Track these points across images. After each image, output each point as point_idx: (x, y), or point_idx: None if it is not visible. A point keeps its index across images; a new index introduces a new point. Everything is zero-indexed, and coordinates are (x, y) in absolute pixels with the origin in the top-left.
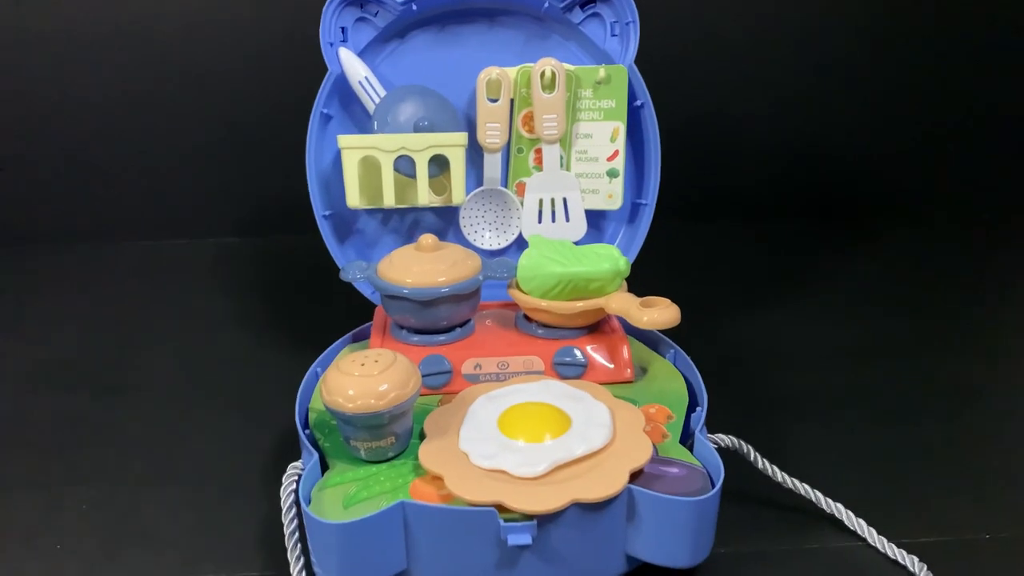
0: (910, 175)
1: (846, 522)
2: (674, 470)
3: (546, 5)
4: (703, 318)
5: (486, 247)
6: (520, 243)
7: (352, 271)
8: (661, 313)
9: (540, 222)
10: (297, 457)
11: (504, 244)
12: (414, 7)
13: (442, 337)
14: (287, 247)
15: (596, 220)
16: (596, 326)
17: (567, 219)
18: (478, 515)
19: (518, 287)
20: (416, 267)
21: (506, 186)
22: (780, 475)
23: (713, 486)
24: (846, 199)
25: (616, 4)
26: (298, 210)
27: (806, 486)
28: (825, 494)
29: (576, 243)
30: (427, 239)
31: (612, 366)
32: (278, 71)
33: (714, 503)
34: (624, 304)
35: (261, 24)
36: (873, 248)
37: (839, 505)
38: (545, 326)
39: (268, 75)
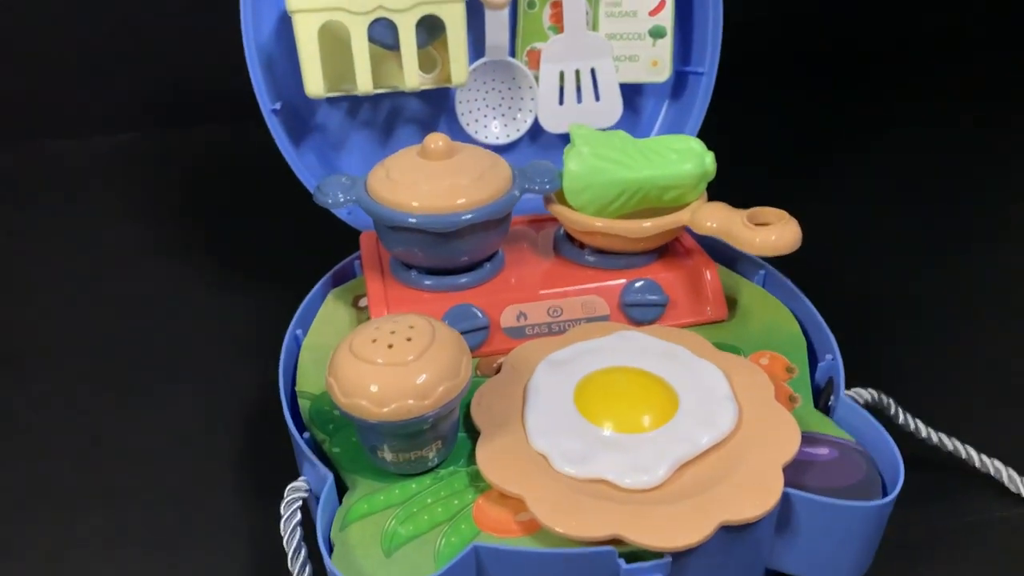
0: None
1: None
2: (823, 451)
3: None
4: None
5: (492, 141)
6: (535, 133)
7: (332, 192)
8: (781, 233)
9: (562, 103)
10: (287, 464)
11: (515, 136)
12: None
13: (465, 278)
14: (213, 141)
15: (632, 97)
16: (666, 247)
17: (597, 97)
18: (590, 558)
19: (562, 201)
20: (425, 183)
21: (514, 55)
22: (930, 432)
23: (877, 471)
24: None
25: None
26: (225, 89)
27: (968, 447)
28: (979, 451)
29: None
30: (436, 140)
31: (699, 303)
32: None
33: (891, 505)
34: (723, 220)
35: None
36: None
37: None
38: (600, 252)
39: None
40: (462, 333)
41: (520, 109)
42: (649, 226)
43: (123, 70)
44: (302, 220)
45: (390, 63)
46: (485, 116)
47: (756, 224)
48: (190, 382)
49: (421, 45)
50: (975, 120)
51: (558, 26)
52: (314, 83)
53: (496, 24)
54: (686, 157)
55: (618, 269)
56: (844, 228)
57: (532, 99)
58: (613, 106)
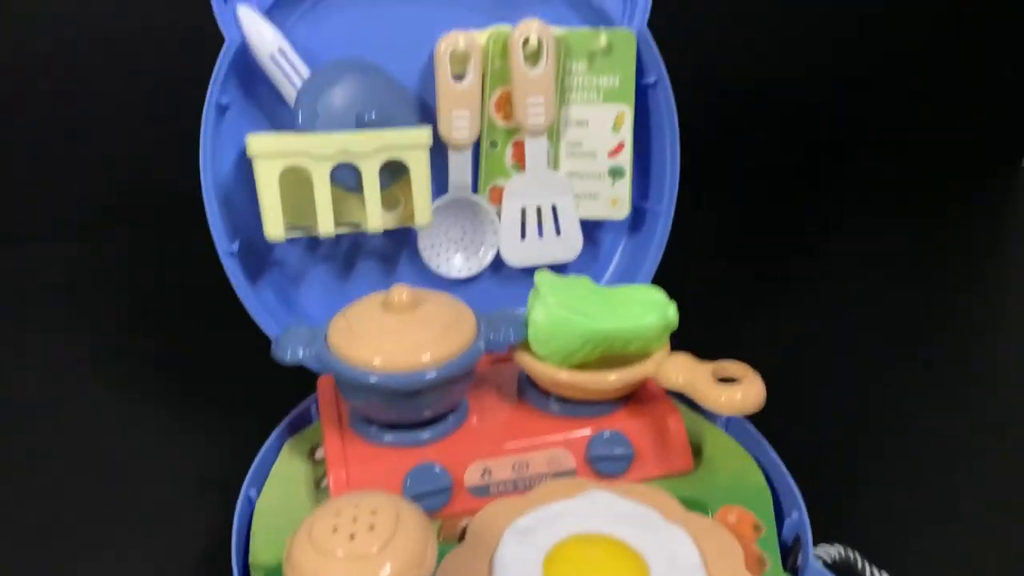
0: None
1: None
2: None
3: None
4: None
5: (454, 275)
6: (497, 266)
7: (291, 345)
8: (746, 393)
9: (524, 238)
10: None
11: (477, 269)
12: None
13: (427, 433)
14: (153, 244)
15: (591, 230)
16: (631, 393)
17: (557, 232)
18: None
19: (527, 349)
20: (388, 340)
21: (476, 191)
22: None
23: None
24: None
25: None
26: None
27: None
28: None
29: (570, 267)
30: (400, 294)
31: (665, 454)
32: (151, 39)
33: None
34: (688, 375)
35: None
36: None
37: None
38: (565, 400)
39: (135, 47)
40: (425, 494)
41: (482, 243)
42: (614, 379)
43: (69, 172)
44: (258, 341)
45: (352, 201)
46: (447, 250)
47: (721, 379)
48: (133, 533)
49: (384, 187)
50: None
51: (520, 164)
52: (274, 227)
53: (459, 163)
54: (649, 309)
55: (583, 418)
56: (803, 358)
57: (494, 233)
58: (574, 241)
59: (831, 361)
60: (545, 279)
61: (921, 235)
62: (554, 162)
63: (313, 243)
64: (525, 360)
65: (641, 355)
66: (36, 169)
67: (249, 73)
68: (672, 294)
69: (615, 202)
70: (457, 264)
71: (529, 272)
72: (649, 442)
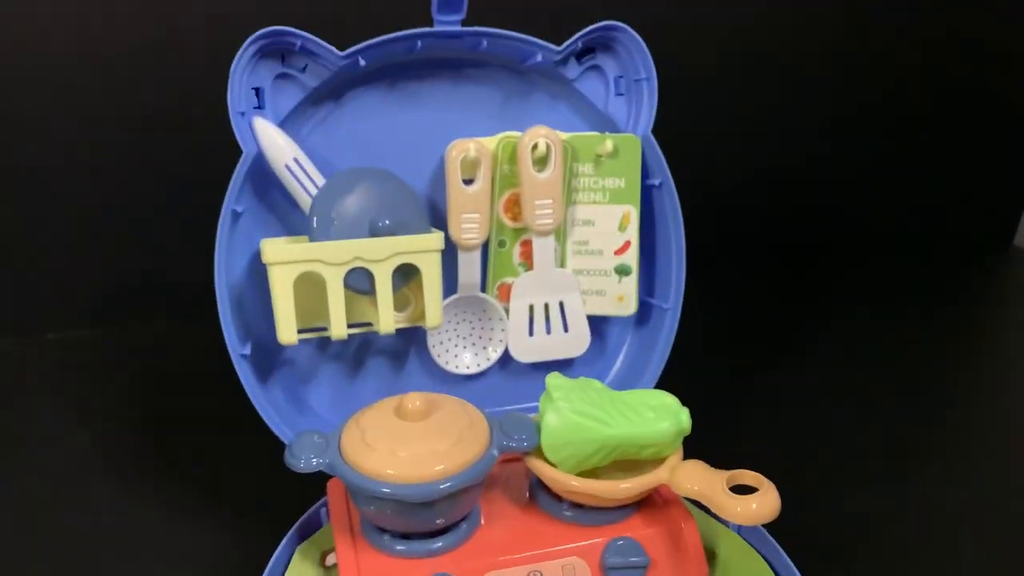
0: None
1: None
2: None
3: (539, 58)
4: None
5: (462, 371)
6: (505, 362)
7: (304, 455)
8: (762, 503)
9: (532, 334)
10: None
11: (486, 365)
12: (361, 62)
13: (440, 542)
14: (159, 338)
15: (598, 325)
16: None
17: (565, 329)
18: None
19: (540, 455)
20: (402, 448)
21: (485, 290)
22: None
23: None
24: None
25: (623, 55)
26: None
27: None
28: None
29: (577, 361)
30: (414, 401)
31: (680, 562)
32: (167, 148)
33: None
34: (704, 485)
35: (149, 84)
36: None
37: None
38: (578, 506)
39: (155, 152)
40: None
41: (491, 340)
42: (628, 487)
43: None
44: (267, 440)
45: (363, 302)
46: (456, 347)
47: (734, 487)
48: None
49: (395, 289)
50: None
51: (527, 263)
52: (287, 332)
53: (468, 264)
54: (663, 415)
55: (597, 525)
56: (808, 457)
57: (503, 330)
58: (581, 337)
59: (840, 459)
60: (557, 382)
61: (920, 321)
62: (561, 260)
63: (323, 342)
64: (537, 466)
65: (654, 460)
66: (49, 259)
67: (264, 180)
68: (678, 391)
69: (622, 299)
70: (466, 361)
71: (537, 367)
72: (664, 550)
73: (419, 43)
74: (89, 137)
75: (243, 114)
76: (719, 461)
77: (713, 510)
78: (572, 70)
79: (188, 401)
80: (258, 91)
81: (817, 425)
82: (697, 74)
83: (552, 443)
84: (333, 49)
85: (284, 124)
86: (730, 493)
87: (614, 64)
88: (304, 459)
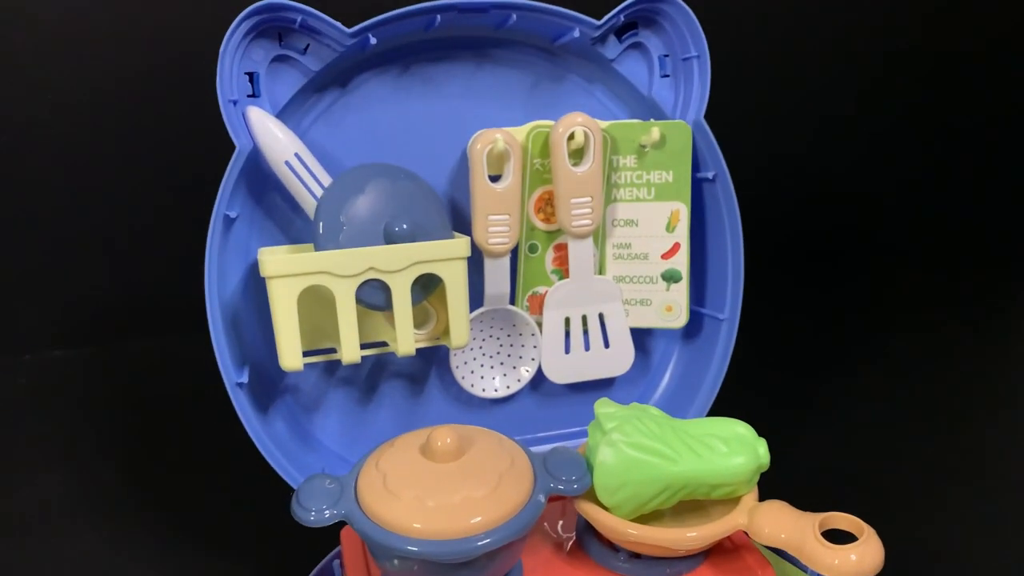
0: None
1: None
2: None
3: (576, 34)
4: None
5: (489, 395)
6: (537, 383)
7: (315, 506)
8: (862, 555)
9: (568, 351)
10: None
11: (516, 388)
12: (372, 41)
13: None
14: (153, 358)
15: (639, 337)
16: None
17: (606, 344)
18: None
19: (592, 497)
20: (431, 497)
21: (514, 302)
22: None
23: None
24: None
25: (669, 30)
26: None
27: None
28: None
29: (618, 381)
30: (444, 438)
31: None
32: (151, 145)
33: None
34: (791, 531)
35: (128, 72)
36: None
37: None
38: (635, 555)
39: (137, 151)
40: None
41: (521, 358)
42: (696, 536)
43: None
44: (269, 478)
45: (377, 318)
46: (482, 367)
47: (828, 538)
48: None
49: (415, 303)
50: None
51: (562, 269)
52: (291, 357)
53: (496, 272)
54: (737, 448)
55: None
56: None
57: (535, 347)
58: (624, 354)
59: (927, 488)
60: (608, 411)
61: (998, 332)
62: (600, 266)
63: (331, 365)
64: (588, 510)
65: (725, 501)
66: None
67: (261, 180)
68: (736, 415)
69: (670, 309)
70: (494, 383)
71: (574, 389)
72: None
73: (438, 18)
74: (66, 137)
75: (235, 103)
76: (786, 494)
77: (803, 561)
78: (611, 49)
79: (179, 430)
80: (252, 76)
81: (891, 448)
82: (752, 51)
83: (607, 484)
84: (339, 25)
85: (283, 114)
86: (824, 542)
87: (659, 41)
88: (316, 511)
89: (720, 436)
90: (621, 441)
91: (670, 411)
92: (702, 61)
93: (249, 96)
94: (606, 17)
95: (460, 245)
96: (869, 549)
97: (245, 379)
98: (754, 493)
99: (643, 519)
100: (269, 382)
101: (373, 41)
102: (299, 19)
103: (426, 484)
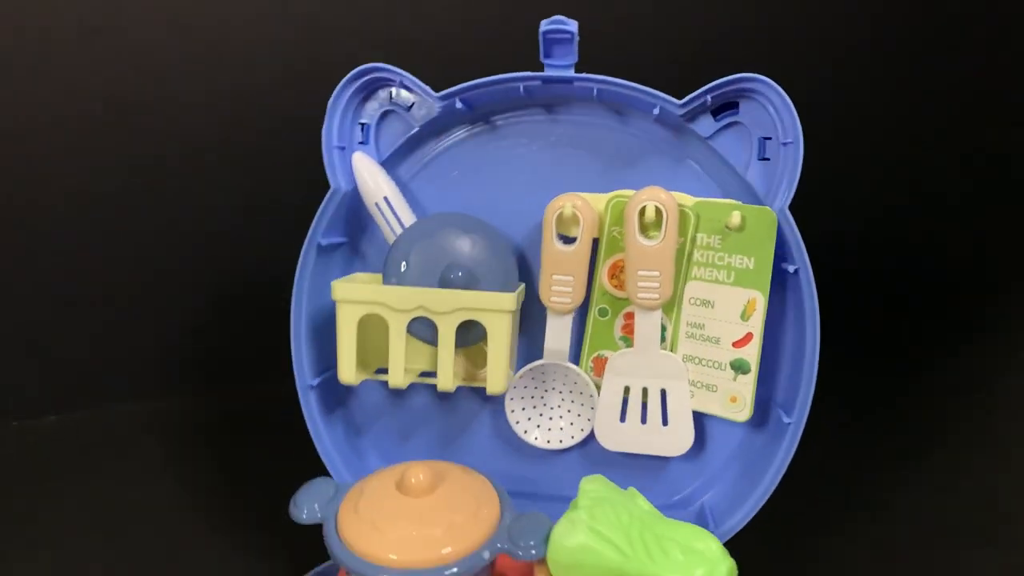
0: None
1: None
2: None
3: (656, 111)
4: None
5: (540, 445)
6: (589, 445)
7: (307, 504)
8: None
9: (624, 420)
10: None
11: (567, 444)
12: (459, 105)
13: None
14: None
15: (703, 426)
16: None
17: (664, 422)
18: None
19: (548, 571)
20: (392, 528)
21: (579, 361)
22: None
23: None
24: None
25: (770, 111)
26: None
27: None
28: None
29: (671, 463)
30: (417, 474)
31: None
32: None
33: None
34: None
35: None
36: None
37: None
38: None
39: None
40: None
41: (578, 416)
42: None
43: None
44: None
45: (433, 352)
46: (538, 417)
47: None
48: None
49: (468, 343)
50: None
51: (630, 337)
52: (347, 371)
53: (558, 330)
54: (696, 562)
55: None
56: None
57: (592, 408)
58: (682, 435)
59: None
60: (591, 487)
61: None
62: (672, 342)
63: (396, 390)
64: None
65: None
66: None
67: (353, 214)
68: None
69: (735, 400)
70: (546, 435)
71: (626, 459)
72: None
73: (521, 88)
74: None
75: (342, 148)
76: None
77: None
78: (705, 126)
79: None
80: (364, 127)
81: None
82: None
83: (559, 560)
84: (428, 89)
85: (386, 162)
86: None
87: (757, 123)
88: (304, 508)
89: (684, 545)
90: (582, 522)
91: (724, 505)
92: (796, 148)
93: (359, 143)
94: (689, 97)
95: (506, 299)
96: None
97: (316, 383)
98: None
99: None
100: (337, 396)
101: (459, 105)
102: (398, 80)
103: (390, 518)
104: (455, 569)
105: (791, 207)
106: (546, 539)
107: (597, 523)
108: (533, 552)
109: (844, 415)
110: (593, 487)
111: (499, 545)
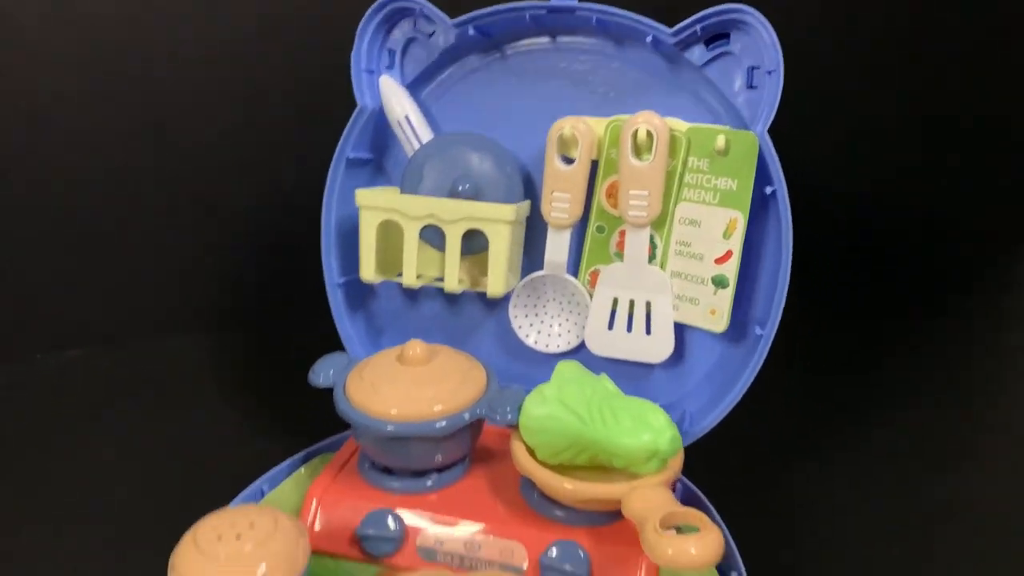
0: None
1: None
2: None
3: (648, 40)
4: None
5: (540, 348)
6: (580, 351)
7: (323, 371)
8: (696, 547)
9: (611, 328)
10: None
11: (564, 348)
12: (471, 31)
13: (397, 483)
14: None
15: (682, 337)
16: (619, 513)
17: (647, 331)
18: None
19: (520, 437)
20: (387, 387)
21: (577, 273)
22: None
23: None
24: None
25: (759, 42)
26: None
27: None
28: None
29: (655, 370)
30: (415, 348)
31: None
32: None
33: None
34: (640, 513)
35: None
36: None
37: None
38: (547, 498)
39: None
40: (374, 538)
41: (575, 324)
42: (571, 488)
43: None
44: None
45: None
46: (542, 323)
47: (671, 529)
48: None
49: (473, 251)
50: None
51: (623, 253)
52: (368, 270)
53: (556, 243)
54: (639, 429)
55: (554, 521)
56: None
57: (585, 317)
58: (663, 344)
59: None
60: (565, 369)
61: None
62: (662, 258)
63: (413, 293)
64: (514, 444)
65: (630, 474)
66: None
67: (379, 133)
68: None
69: (714, 312)
70: (544, 339)
71: (614, 363)
72: (609, 567)
73: (527, 16)
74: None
75: (372, 72)
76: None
77: (643, 548)
78: (697, 55)
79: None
80: (392, 53)
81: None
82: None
83: (527, 426)
84: (445, 17)
85: (409, 85)
86: (660, 531)
87: (748, 53)
88: (320, 374)
89: (635, 416)
90: (551, 396)
91: (699, 408)
92: (776, 76)
93: (387, 67)
94: (678, 26)
95: (506, 211)
96: (704, 545)
97: (343, 281)
98: (659, 476)
99: (565, 469)
100: (361, 298)
101: (472, 32)
102: (418, 8)
103: (388, 380)
104: (443, 423)
105: (779, 134)
106: (519, 408)
107: (563, 395)
108: (509, 417)
109: (820, 332)
110: (567, 368)
111: (479, 411)
